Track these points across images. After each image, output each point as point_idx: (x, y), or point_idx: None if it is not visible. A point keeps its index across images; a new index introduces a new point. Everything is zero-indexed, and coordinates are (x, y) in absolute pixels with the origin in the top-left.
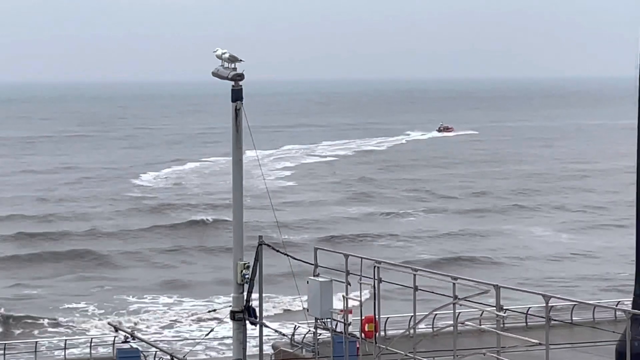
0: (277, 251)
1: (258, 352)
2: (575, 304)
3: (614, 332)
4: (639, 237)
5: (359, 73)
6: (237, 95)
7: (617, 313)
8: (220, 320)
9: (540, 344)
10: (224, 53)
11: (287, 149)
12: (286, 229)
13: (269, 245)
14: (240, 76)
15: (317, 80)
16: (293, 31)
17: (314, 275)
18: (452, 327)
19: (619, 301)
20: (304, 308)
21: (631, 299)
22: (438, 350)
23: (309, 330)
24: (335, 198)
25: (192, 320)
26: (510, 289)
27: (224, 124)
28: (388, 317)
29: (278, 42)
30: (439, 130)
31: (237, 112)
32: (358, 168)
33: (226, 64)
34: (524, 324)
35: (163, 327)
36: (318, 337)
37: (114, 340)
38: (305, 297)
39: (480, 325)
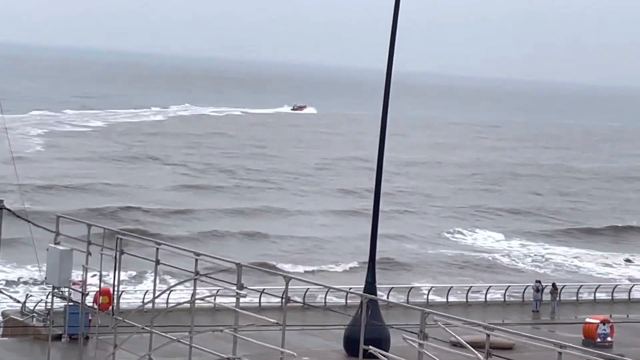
0: (18, 216)
1: None
2: (308, 288)
3: (345, 314)
4: (374, 228)
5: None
6: None
7: (348, 299)
8: None
9: (277, 323)
10: None
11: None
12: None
13: (9, 210)
14: None
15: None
16: None
17: (54, 243)
18: (189, 304)
19: (351, 287)
20: (41, 276)
21: (363, 286)
22: (175, 325)
23: (42, 300)
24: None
25: None
26: (252, 268)
27: None
28: (123, 291)
29: None
30: (294, 109)
31: None
32: None
33: None
34: (258, 305)
35: None
36: (53, 307)
37: None
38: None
39: (217, 303)
